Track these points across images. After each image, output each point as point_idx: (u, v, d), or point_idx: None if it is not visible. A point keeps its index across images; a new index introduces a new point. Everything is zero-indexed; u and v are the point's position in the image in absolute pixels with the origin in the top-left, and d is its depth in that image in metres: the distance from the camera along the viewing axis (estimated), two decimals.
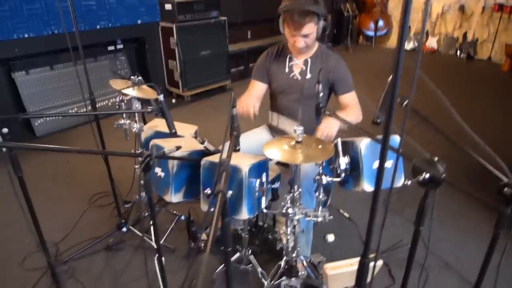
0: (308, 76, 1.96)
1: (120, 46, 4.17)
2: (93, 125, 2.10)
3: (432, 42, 7.26)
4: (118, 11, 3.83)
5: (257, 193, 1.46)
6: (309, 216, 1.55)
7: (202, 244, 2.22)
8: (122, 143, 2.00)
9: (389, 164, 1.40)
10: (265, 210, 1.54)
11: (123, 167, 2.82)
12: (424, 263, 1.27)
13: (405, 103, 1.31)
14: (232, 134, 1.29)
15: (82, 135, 3.80)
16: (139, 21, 4.10)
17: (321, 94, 1.32)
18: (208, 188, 1.45)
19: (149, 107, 1.56)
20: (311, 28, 1.77)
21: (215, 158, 1.52)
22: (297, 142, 1.44)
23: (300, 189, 1.53)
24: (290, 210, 1.49)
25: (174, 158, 1.48)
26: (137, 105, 1.77)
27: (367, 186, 1.36)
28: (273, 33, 6.30)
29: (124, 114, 1.83)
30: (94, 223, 2.51)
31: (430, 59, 6.99)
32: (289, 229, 1.54)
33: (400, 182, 1.43)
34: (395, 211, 2.64)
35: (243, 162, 1.44)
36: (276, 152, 1.41)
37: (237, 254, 1.99)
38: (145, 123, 2.42)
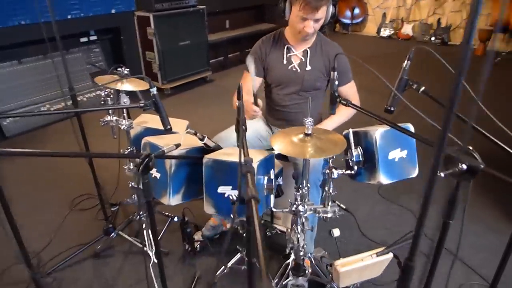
0: (308, 68, 1.86)
1: (93, 38, 3.91)
2: (73, 121, 1.91)
3: (407, 29, 7.32)
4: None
5: (265, 191, 1.36)
6: (319, 213, 1.47)
7: (198, 246, 2.11)
8: (106, 140, 1.84)
9: (403, 153, 1.34)
10: (274, 209, 1.44)
11: (106, 166, 2.64)
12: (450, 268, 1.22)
13: (421, 89, 1.25)
14: (241, 128, 1.17)
15: (59, 133, 3.55)
16: (113, 10, 3.85)
17: (336, 82, 1.22)
18: (231, 193, 1.32)
19: (141, 102, 1.42)
20: (324, 12, 1.67)
21: (217, 155, 1.41)
22: (306, 134, 1.34)
23: (308, 185, 1.44)
24: (300, 208, 1.40)
25: (175, 157, 1.36)
26: (125, 100, 1.61)
27: (383, 178, 1.29)
28: (252, 22, 6.16)
29: (110, 110, 1.67)
30: (78, 228, 2.33)
31: (405, 45, 7.06)
32: (299, 227, 1.45)
33: (415, 172, 1.37)
34: (389, 198, 2.62)
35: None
36: (284, 146, 1.32)
37: (238, 255, 1.89)
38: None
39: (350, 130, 1.36)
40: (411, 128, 1.34)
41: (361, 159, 1.34)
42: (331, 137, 1.35)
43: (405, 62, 1.21)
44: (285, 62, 1.88)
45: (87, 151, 1.74)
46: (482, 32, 6.21)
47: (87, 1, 3.56)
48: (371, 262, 1.59)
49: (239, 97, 1.19)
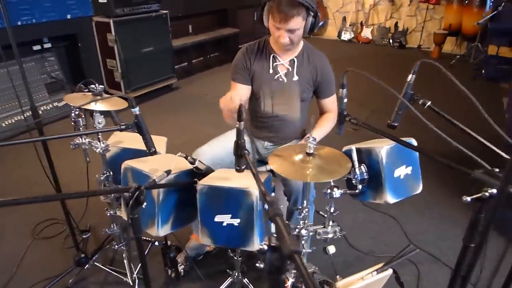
0: (295, 78, 1.78)
1: (47, 45, 3.60)
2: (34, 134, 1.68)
3: (366, 33, 7.54)
4: (43, 4, 3.26)
5: (267, 216, 1.25)
6: (319, 234, 1.39)
7: (182, 270, 1.96)
8: (72, 157, 1.64)
9: (408, 170, 1.30)
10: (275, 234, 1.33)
11: (70, 187, 2.40)
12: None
13: (427, 104, 1.21)
14: (243, 152, 1.06)
15: (17, 150, 3.19)
16: (68, 16, 3.57)
17: (345, 100, 1.15)
18: (231, 221, 1.19)
19: (121, 124, 1.26)
20: (298, 23, 1.58)
21: (212, 180, 1.28)
22: (308, 154, 1.26)
23: (308, 206, 1.36)
24: (303, 232, 1.31)
25: (166, 185, 1.21)
26: (99, 120, 1.44)
27: (390, 198, 1.24)
28: (215, 26, 6.03)
29: (78, 130, 1.49)
30: (44, 260, 2.09)
31: (365, 49, 7.28)
32: (304, 251, 1.37)
33: (419, 188, 1.33)
34: (370, 205, 2.61)
35: (249, 183, 1.22)
36: (283, 167, 1.22)
37: (229, 279, 1.76)
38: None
39: (353, 147, 1.29)
40: (415, 143, 1.30)
41: (365, 177, 1.28)
42: (334, 156, 1.28)
43: (410, 76, 1.17)
44: (271, 71, 1.79)
45: (56, 182, 1.53)
46: (437, 36, 6.52)
47: (39, 6, 3.25)
48: (372, 280, 1.53)
49: (240, 118, 1.08)
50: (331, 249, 1.90)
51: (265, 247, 0.66)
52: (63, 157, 2.28)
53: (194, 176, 1.37)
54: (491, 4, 5.82)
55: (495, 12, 5.53)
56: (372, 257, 2.19)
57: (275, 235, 0.70)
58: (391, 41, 7.30)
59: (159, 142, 1.79)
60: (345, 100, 1.14)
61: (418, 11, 7.13)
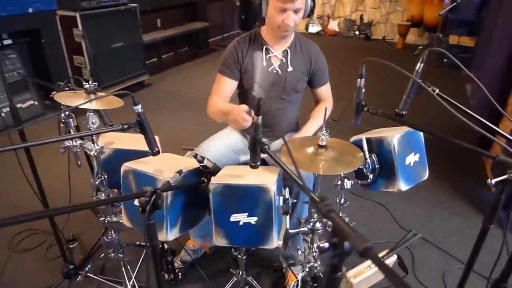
0: (290, 69, 1.75)
1: (8, 42, 3.32)
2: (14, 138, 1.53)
3: (333, 25, 7.67)
4: None
5: (281, 212, 1.22)
6: (330, 227, 1.38)
7: (179, 274, 1.89)
8: (52, 162, 1.52)
9: (416, 157, 1.31)
10: (291, 231, 1.30)
11: (56, 194, 2.23)
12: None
13: (436, 91, 1.22)
14: (264, 148, 1.02)
15: None
16: (30, 10, 3.30)
17: (363, 90, 1.13)
18: (248, 220, 1.14)
19: (123, 124, 1.17)
20: (303, 2, 1.55)
21: (225, 178, 1.22)
22: (320, 146, 1.24)
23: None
24: (318, 225, 1.29)
25: (183, 187, 1.14)
26: (93, 120, 1.33)
27: (403, 185, 1.25)
28: (184, 20, 5.86)
29: (69, 131, 1.38)
30: (27, 274, 1.94)
31: (332, 41, 7.40)
32: (315, 245, 1.35)
33: (426, 175, 1.36)
34: (359, 193, 2.66)
35: (264, 179, 1.18)
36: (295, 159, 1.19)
37: (233, 279, 1.72)
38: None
39: (363, 137, 1.29)
40: (417, 133, 1.32)
41: (376, 166, 1.28)
42: (345, 147, 1.26)
43: (418, 64, 1.17)
44: (265, 63, 1.74)
45: (42, 195, 1.40)
46: (401, 27, 6.75)
47: None
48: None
49: (259, 113, 1.03)
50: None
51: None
52: (44, 160, 2.10)
53: (201, 175, 1.31)
54: None
55: (454, 4, 5.80)
56: (387, 250, 2.22)
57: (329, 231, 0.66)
58: (357, 33, 7.47)
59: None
60: (363, 90, 1.12)
61: (381, 4, 7.33)
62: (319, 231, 1.31)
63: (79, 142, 1.39)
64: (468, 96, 4.65)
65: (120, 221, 1.45)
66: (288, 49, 1.74)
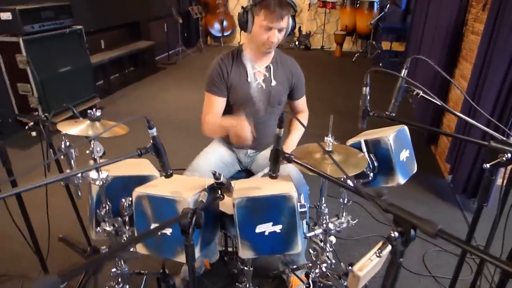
0: (274, 83, 1.83)
1: None
2: None
3: None
4: None
5: (301, 217, 1.29)
6: (338, 226, 1.47)
7: None
8: (37, 193, 1.42)
9: (407, 153, 1.46)
10: (309, 234, 1.37)
11: (49, 231, 2.03)
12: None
13: (420, 94, 1.38)
14: (290, 158, 1.08)
15: None
16: None
17: (368, 97, 1.24)
18: (273, 229, 1.16)
19: (141, 149, 1.15)
20: (286, 22, 1.65)
21: (246, 192, 1.25)
22: (326, 151, 1.33)
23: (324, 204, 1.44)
24: (331, 226, 1.38)
25: (210, 203, 1.14)
26: (98, 148, 1.28)
27: (401, 179, 1.38)
28: (128, 40, 5.72)
29: (72, 163, 1.31)
30: None
31: None
32: (328, 246, 1.42)
33: (415, 168, 1.51)
34: (334, 195, 2.79)
35: (284, 187, 1.24)
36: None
37: None
38: (60, 169, 1.84)
39: (361, 140, 1.40)
40: (407, 130, 1.48)
41: (375, 165, 1.40)
42: (347, 150, 1.37)
43: (403, 70, 1.32)
44: (249, 79, 1.81)
45: (35, 243, 1.30)
46: (337, 36, 7.24)
47: None
48: (379, 259, 1.68)
49: (281, 125, 1.09)
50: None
51: (396, 234, 0.69)
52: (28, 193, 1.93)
53: (212, 192, 1.32)
54: (377, 6, 6.71)
55: (382, 13, 6.40)
56: (352, 241, 2.36)
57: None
58: (297, 43, 7.86)
59: (145, 165, 1.67)
60: (368, 97, 1.24)
61: (317, 15, 7.81)
62: (332, 231, 1.39)
63: (80, 171, 1.33)
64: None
65: (131, 249, 1.40)
66: (270, 64, 1.83)
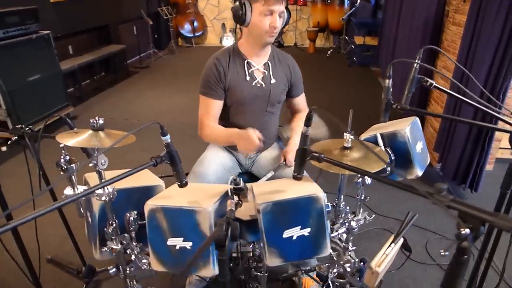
0: (273, 81, 1.76)
1: None
2: None
3: None
4: None
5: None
6: (356, 223, 1.44)
7: None
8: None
9: (421, 144, 1.45)
10: (333, 235, 1.31)
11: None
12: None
13: (433, 84, 1.36)
14: (321, 157, 1.02)
15: None
16: None
17: (391, 90, 1.20)
18: (301, 233, 1.09)
19: (155, 158, 1.05)
20: (284, 8, 1.59)
21: (269, 196, 1.18)
22: (345, 148, 1.28)
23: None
24: (353, 224, 1.33)
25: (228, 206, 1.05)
26: (103, 161, 1.16)
27: (419, 171, 1.36)
28: (98, 44, 5.47)
29: (73, 178, 1.19)
30: None
31: None
32: (350, 245, 1.38)
33: (428, 159, 1.50)
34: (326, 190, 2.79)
35: (309, 189, 1.18)
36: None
37: None
38: (46, 181, 1.69)
39: (377, 134, 1.37)
40: (419, 121, 1.46)
41: (392, 158, 1.37)
42: (372, 151, 1.33)
43: (416, 62, 1.29)
44: (248, 78, 1.73)
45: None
46: (309, 33, 7.28)
47: None
48: (393, 252, 1.66)
49: (308, 124, 1.03)
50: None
51: (468, 231, 0.65)
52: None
53: (226, 197, 1.25)
54: (348, 2, 6.80)
55: (353, 8, 6.49)
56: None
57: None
58: None
59: (146, 174, 1.56)
60: (391, 90, 1.21)
61: None
62: (354, 230, 1.35)
63: (82, 188, 1.21)
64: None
65: (144, 267, 1.29)
66: (268, 61, 1.76)
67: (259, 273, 1.60)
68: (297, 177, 1.11)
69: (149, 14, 6.53)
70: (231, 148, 1.90)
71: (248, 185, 1.19)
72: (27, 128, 1.57)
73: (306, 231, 1.15)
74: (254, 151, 1.50)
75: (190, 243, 1.16)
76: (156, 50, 6.89)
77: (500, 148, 2.98)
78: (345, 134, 1.27)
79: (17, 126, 1.57)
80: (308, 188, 1.19)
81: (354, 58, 6.38)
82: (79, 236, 1.87)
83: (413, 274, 2.04)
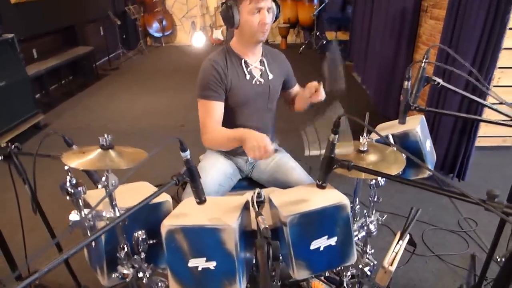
0: (271, 76, 1.73)
1: None
2: None
3: (217, 35, 7.79)
4: None
5: None
6: (374, 226, 1.43)
7: None
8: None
9: (429, 142, 1.46)
10: (355, 239, 1.29)
11: None
12: None
13: (440, 83, 1.37)
14: (349, 164, 0.99)
15: None
16: None
17: (409, 91, 1.18)
18: (327, 243, 1.06)
19: (176, 176, 0.98)
20: (271, 3, 1.56)
21: (293, 207, 1.14)
22: (361, 151, 1.27)
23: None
24: (372, 227, 1.32)
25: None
26: (113, 181, 1.07)
27: (430, 168, 1.37)
28: (64, 47, 5.18)
29: (80, 201, 1.09)
30: None
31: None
32: (368, 247, 1.37)
33: (435, 156, 1.52)
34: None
35: (334, 197, 1.15)
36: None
37: None
38: (37, 206, 1.56)
39: (389, 134, 1.36)
40: (424, 119, 1.47)
41: (404, 158, 1.37)
42: (381, 147, 1.32)
43: (423, 61, 1.30)
44: (248, 77, 1.69)
45: None
46: (281, 29, 7.28)
47: None
48: (402, 249, 1.68)
49: (336, 131, 1.00)
50: None
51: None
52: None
53: (245, 212, 1.20)
54: None
55: (323, 4, 6.55)
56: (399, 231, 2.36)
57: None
58: None
59: (148, 188, 1.47)
60: (409, 92, 1.19)
61: None
62: (373, 233, 1.34)
63: (93, 213, 1.11)
64: (359, 83, 5.30)
65: None
66: (263, 58, 1.73)
67: (272, 282, 1.55)
68: (321, 186, 1.08)
69: (116, 13, 6.25)
70: (230, 154, 1.85)
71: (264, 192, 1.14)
72: (13, 147, 1.43)
73: (333, 241, 1.12)
74: (263, 158, 1.45)
75: (214, 263, 1.10)
76: (125, 51, 6.63)
77: (478, 136, 3.11)
78: (361, 137, 1.25)
79: (1, 145, 1.42)
80: (332, 196, 1.16)
81: (326, 53, 6.43)
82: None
83: (415, 267, 2.08)
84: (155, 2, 7.31)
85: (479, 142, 3.17)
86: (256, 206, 1.03)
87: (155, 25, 7.48)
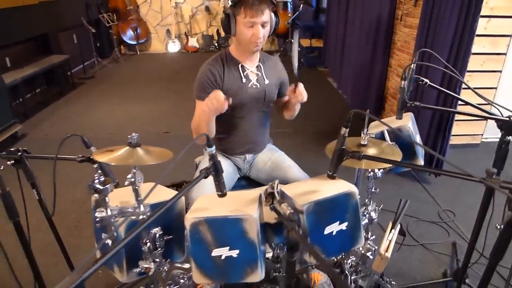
0: (267, 81, 1.82)
1: None
2: None
3: (193, 42, 7.84)
4: None
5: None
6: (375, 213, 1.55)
7: None
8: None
9: (418, 137, 1.61)
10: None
11: None
12: None
13: (428, 83, 1.52)
14: (359, 154, 1.10)
15: None
16: None
17: (405, 90, 1.31)
18: (339, 227, 1.15)
19: (204, 171, 1.05)
20: (268, 16, 1.62)
21: (308, 196, 1.23)
22: (362, 145, 1.39)
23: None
24: (373, 215, 1.44)
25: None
26: (140, 178, 1.12)
27: (421, 161, 1.51)
28: (38, 55, 5.05)
29: (104, 201, 1.12)
30: None
31: (196, 57, 7.57)
32: (370, 234, 1.49)
33: (423, 149, 1.67)
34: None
35: (344, 186, 1.26)
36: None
37: None
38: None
39: (384, 130, 1.49)
40: (413, 116, 1.62)
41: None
42: (379, 143, 1.44)
43: (413, 64, 1.44)
44: (244, 80, 1.77)
45: None
46: None
47: None
48: (395, 237, 1.81)
49: (348, 125, 1.11)
50: None
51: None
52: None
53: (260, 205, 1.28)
54: (291, 6, 7.08)
55: (297, 13, 6.77)
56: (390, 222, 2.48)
57: None
58: (217, 46, 7.85)
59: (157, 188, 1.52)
60: (406, 90, 1.33)
61: None
62: (375, 220, 1.46)
63: (117, 208, 1.15)
64: (335, 88, 5.52)
65: (182, 282, 1.26)
66: (260, 63, 1.82)
67: (276, 273, 1.64)
68: (332, 176, 1.18)
69: (89, 21, 6.16)
70: (228, 154, 1.92)
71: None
72: (23, 150, 1.45)
73: (344, 226, 1.23)
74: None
75: (237, 251, 1.17)
76: (99, 59, 6.53)
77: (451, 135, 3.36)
78: (362, 133, 1.37)
79: (12, 149, 1.43)
80: (341, 185, 1.26)
81: (302, 60, 6.66)
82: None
83: (403, 257, 2.23)
84: (129, 10, 7.27)
85: (451, 141, 3.43)
86: (277, 195, 1.11)
87: (129, 33, 7.43)
